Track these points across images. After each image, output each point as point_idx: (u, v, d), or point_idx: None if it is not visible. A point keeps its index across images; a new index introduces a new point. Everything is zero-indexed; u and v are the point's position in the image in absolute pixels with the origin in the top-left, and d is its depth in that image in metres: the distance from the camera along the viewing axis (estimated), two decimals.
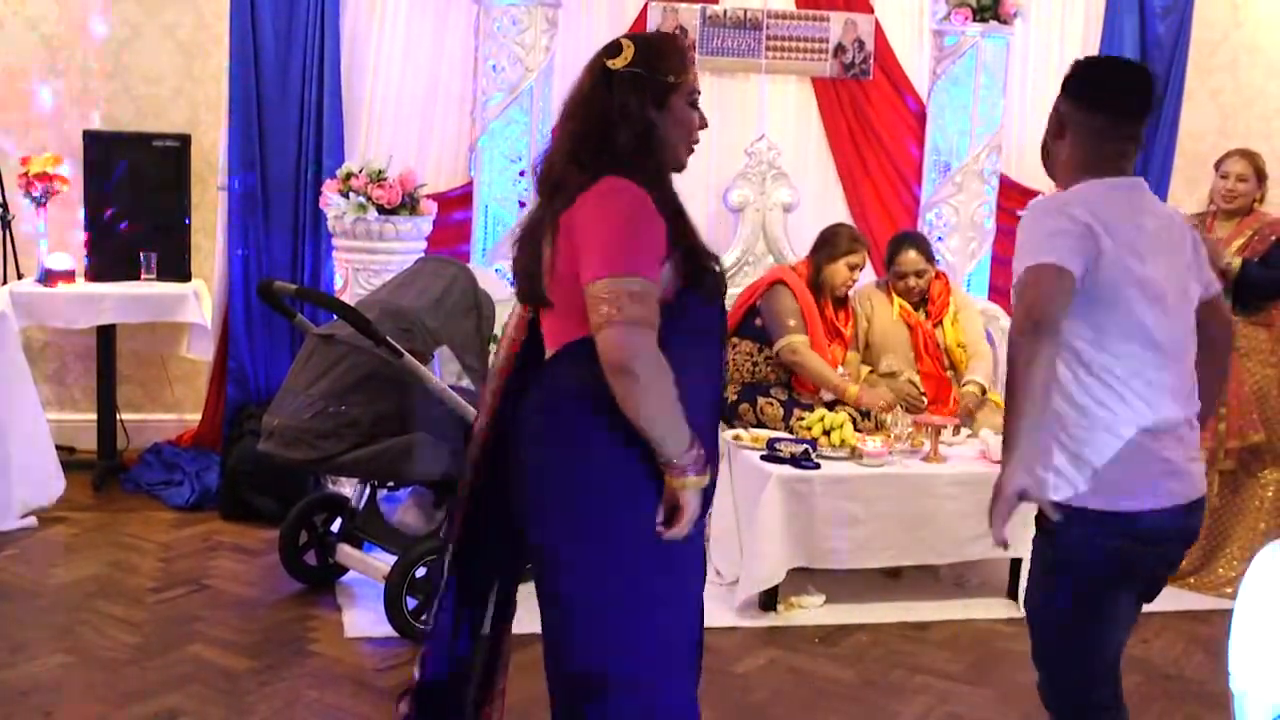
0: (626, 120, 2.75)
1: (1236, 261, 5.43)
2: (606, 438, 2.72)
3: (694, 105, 2.86)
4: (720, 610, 5.09)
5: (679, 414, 2.66)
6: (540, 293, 2.82)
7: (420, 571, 4.65)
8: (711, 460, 2.79)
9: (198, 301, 6.19)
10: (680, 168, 2.88)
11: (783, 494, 5.02)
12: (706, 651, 4.65)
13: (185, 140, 6.30)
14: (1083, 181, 2.98)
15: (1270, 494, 5.59)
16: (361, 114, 6.22)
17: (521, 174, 6.12)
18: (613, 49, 2.81)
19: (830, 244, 5.83)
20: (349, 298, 5.64)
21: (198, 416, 6.58)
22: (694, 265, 2.77)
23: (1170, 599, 5.43)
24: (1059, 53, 7.15)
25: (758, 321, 5.79)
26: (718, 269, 2.85)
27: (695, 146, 2.90)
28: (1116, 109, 3.00)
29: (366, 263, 5.92)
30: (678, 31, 6.46)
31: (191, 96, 6.66)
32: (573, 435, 2.77)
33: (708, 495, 2.80)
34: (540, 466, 2.81)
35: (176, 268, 6.26)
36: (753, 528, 5.07)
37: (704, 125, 2.90)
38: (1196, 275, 3.03)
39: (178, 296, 6.17)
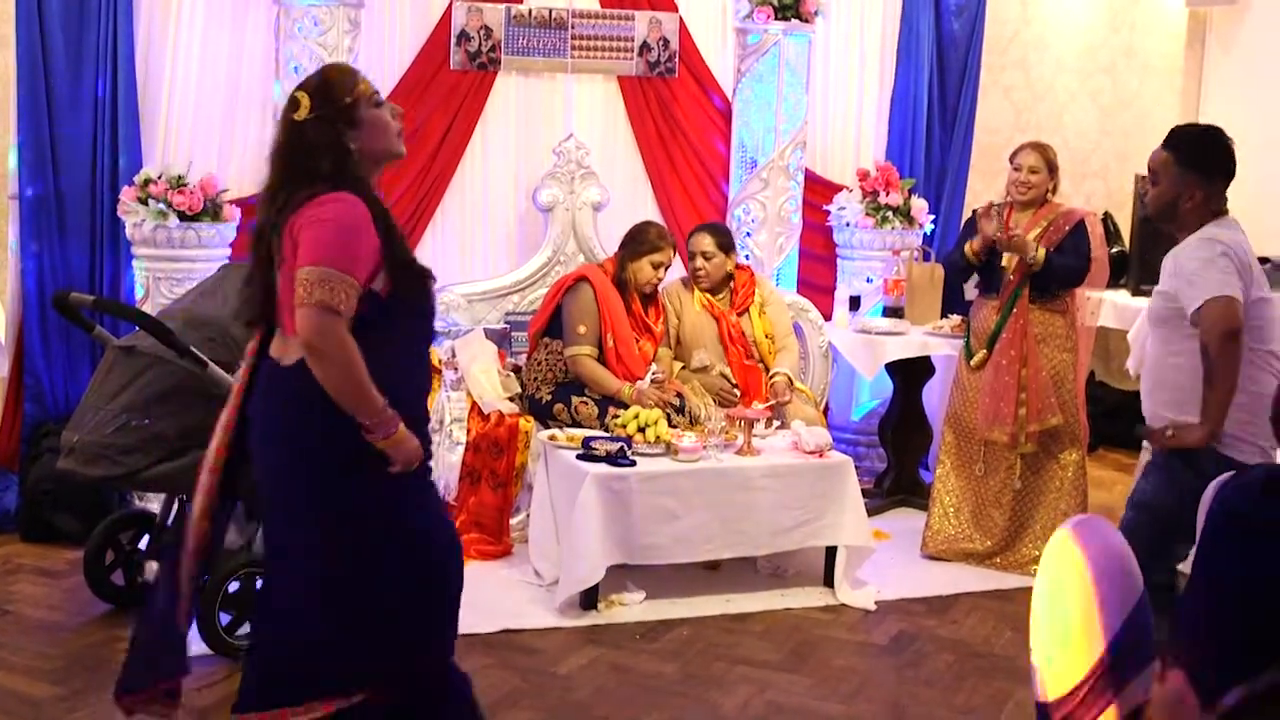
0: (324, 151, 3.21)
1: (1041, 254, 5.61)
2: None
3: (379, 105, 3.33)
4: (540, 611, 5.10)
5: (366, 387, 3.10)
6: (271, 310, 3.28)
7: (234, 586, 4.55)
8: (419, 425, 3.29)
9: None
10: (399, 154, 3.41)
11: (599, 492, 5.04)
12: (528, 653, 4.69)
13: None
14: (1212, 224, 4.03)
15: (1070, 474, 5.79)
16: (159, 118, 6.04)
17: None
18: (292, 104, 3.28)
19: (635, 241, 5.89)
20: (151, 308, 5.51)
21: None
22: (400, 271, 3.22)
23: (978, 579, 5.67)
24: (859, 50, 7.31)
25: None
26: (422, 270, 3.30)
27: (401, 133, 3.39)
28: (1233, 170, 4.08)
29: (168, 271, 5.78)
30: (480, 32, 6.45)
31: None
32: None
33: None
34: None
35: None
36: (570, 527, 5.07)
37: (398, 114, 3.39)
38: None
39: None
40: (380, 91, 3.39)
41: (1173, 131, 4.17)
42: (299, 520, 3.27)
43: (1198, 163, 4.05)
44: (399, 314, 3.22)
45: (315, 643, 3.25)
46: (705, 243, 6.04)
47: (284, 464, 3.25)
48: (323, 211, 3.13)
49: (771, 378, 5.95)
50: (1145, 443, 4.51)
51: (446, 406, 5.72)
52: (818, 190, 7.19)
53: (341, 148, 3.23)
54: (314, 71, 3.40)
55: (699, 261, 6.03)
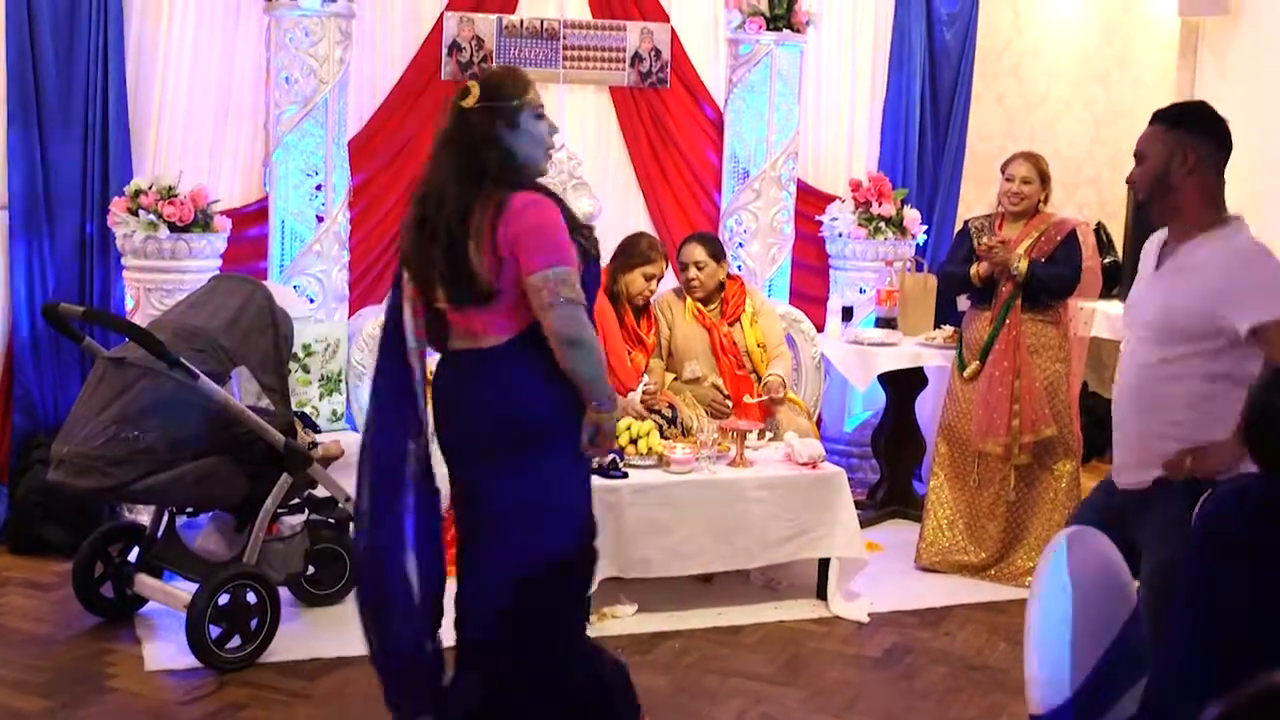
0: (489, 145, 3.39)
1: (1024, 265, 5.61)
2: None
3: (540, 118, 3.49)
4: None
5: (605, 367, 3.47)
6: (482, 291, 3.39)
7: (223, 599, 4.53)
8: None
9: None
10: (542, 172, 3.54)
11: None
12: None
13: None
14: (1220, 212, 3.56)
15: (1064, 485, 5.78)
16: (149, 129, 6.02)
17: (318, 188, 6.00)
18: (462, 93, 3.44)
19: (627, 253, 5.88)
20: (141, 319, 5.47)
21: None
22: (583, 246, 3.51)
23: (971, 590, 5.65)
24: (851, 61, 7.31)
25: None
26: (590, 234, 3.62)
27: (553, 152, 3.58)
28: (1229, 143, 3.59)
29: (159, 282, 5.76)
30: (471, 42, 6.44)
31: None
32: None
33: None
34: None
35: None
36: None
37: (554, 130, 3.54)
38: None
39: None
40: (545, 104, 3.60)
41: (1156, 112, 3.75)
42: (495, 496, 3.54)
43: (1186, 123, 3.65)
44: (590, 290, 3.51)
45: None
46: (697, 253, 6.03)
47: (491, 445, 3.50)
48: (533, 217, 3.36)
49: (766, 377, 5.93)
50: None
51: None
52: (810, 201, 7.18)
53: (504, 144, 3.41)
54: (490, 68, 3.56)
55: (692, 272, 6.02)
